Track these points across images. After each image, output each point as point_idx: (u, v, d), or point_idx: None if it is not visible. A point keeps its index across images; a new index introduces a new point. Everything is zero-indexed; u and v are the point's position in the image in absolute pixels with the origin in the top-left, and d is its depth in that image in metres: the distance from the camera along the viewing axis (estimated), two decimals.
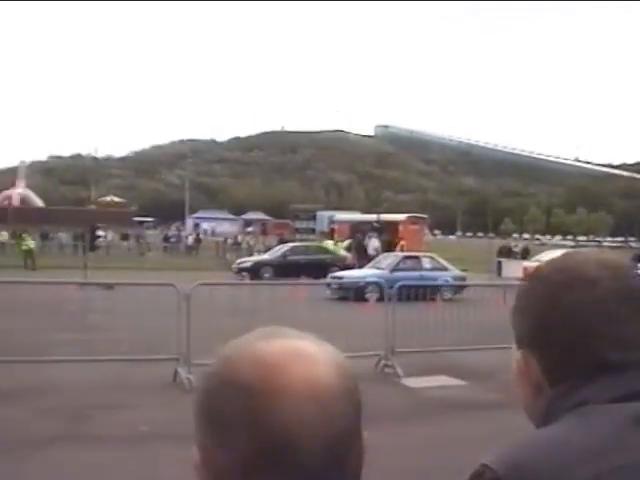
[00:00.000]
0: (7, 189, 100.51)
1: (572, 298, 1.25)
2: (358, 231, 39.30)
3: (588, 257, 1.32)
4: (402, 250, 33.77)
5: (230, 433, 0.89)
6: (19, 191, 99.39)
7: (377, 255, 30.99)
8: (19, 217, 67.74)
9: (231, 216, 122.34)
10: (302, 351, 0.93)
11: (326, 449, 0.88)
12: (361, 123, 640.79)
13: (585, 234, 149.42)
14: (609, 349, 1.22)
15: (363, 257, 32.71)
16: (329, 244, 38.68)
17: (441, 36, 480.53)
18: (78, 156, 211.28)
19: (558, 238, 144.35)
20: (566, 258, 1.35)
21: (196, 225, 71.52)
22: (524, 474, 1.10)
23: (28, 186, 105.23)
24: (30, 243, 39.41)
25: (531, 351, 1.28)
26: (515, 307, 1.35)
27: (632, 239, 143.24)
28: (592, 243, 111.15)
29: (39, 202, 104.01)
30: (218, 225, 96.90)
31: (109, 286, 15.22)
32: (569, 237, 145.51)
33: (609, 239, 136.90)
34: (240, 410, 0.89)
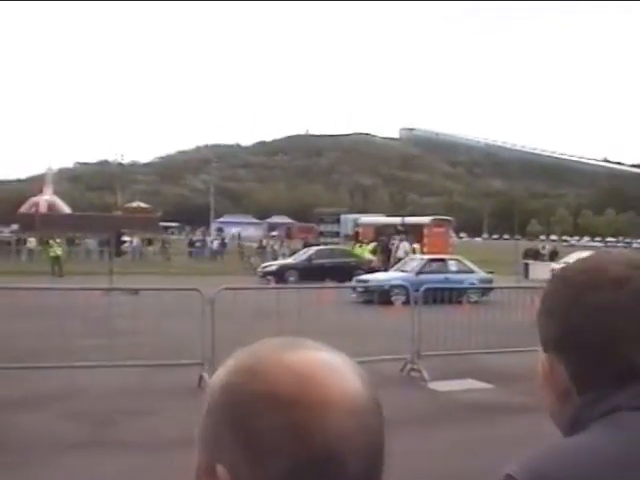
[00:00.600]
0: (34, 196, 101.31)
1: (597, 299, 1.18)
2: (383, 234, 39.18)
3: (614, 257, 1.26)
4: (422, 252, 33.68)
5: (269, 447, 0.84)
6: (46, 198, 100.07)
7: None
8: (46, 224, 68.24)
9: (256, 220, 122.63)
10: (330, 363, 0.90)
11: (367, 462, 0.87)
12: (386, 126, 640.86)
13: (614, 235, 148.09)
14: (638, 353, 1.16)
15: (388, 260, 32.63)
16: (356, 248, 38.58)
17: (466, 37, 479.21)
18: (104, 162, 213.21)
19: (586, 239, 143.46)
20: (591, 258, 1.29)
21: (219, 230, 71.48)
22: None
23: (55, 193, 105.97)
24: (57, 250, 39.70)
25: (557, 355, 1.22)
26: (540, 309, 1.29)
27: None
28: (621, 244, 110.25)
29: (66, 209, 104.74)
30: (243, 230, 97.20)
31: (134, 291, 15.23)
32: (597, 238, 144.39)
33: (639, 241, 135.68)
34: (282, 425, 0.84)
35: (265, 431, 0.84)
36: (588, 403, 1.17)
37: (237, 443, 0.86)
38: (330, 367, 0.89)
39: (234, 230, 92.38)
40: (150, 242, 59.63)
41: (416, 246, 35.54)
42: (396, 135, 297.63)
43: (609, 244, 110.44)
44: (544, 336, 1.26)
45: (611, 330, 1.16)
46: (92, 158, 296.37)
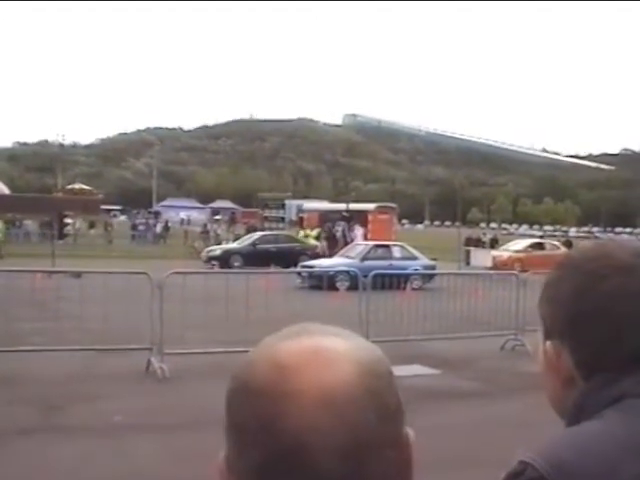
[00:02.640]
0: None
1: (606, 288, 1.20)
2: (327, 220, 39.33)
3: (620, 245, 1.28)
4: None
5: (245, 438, 0.84)
6: None
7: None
8: None
9: (199, 205, 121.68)
10: (321, 350, 0.86)
11: (344, 458, 0.81)
12: (329, 112, 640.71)
13: (552, 224, 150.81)
14: None
15: (334, 246, 32.79)
16: (301, 234, 38.70)
17: (410, 25, 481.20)
18: (44, 143, 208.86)
19: (525, 228, 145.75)
20: (597, 246, 1.31)
21: (156, 213, 70.55)
22: (569, 472, 1.05)
23: None
24: None
25: (562, 342, 1.23)
26: (543, 297, 1.30)
27: (597, 229, 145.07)
28: (559, 233, 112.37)
29: (4, 189, 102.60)
30: (186, 214, 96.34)
31: (77, 274, 15.04)
32: (536, 227, 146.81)
33: (575, 229, 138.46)
34: (253, 415, 0.84)
35: (242, 422, 0.85)
36: (595, 389, 1.19)
37: (227, 431, 0.88)
38: (315, 355, 0.85)
39: (183, 214, 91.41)
40: (92, 225, 58.82)
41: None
42: (339, 121, 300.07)
43: (547, 232, 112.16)
44: (549, 323, 1.27)
45: (618, 317, 1.18)
46: (32, 138, 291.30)
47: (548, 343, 1.26)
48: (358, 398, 0.83)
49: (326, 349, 0.86)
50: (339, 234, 35.90)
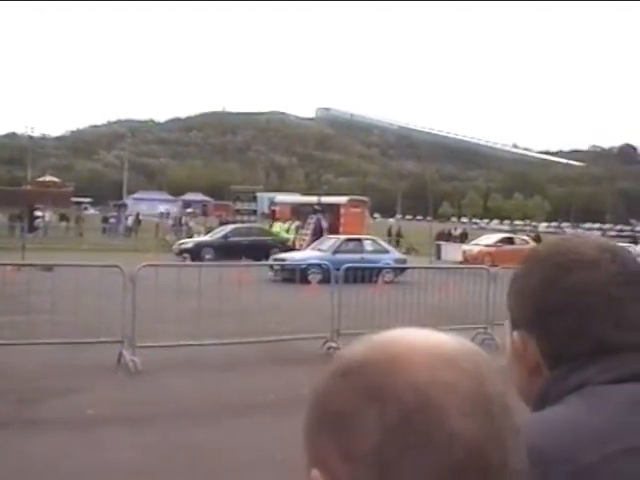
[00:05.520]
0: None
1: (573, 280, 1.24)
2: (299, 213, 39.42)
3: (586, 240, 1.33)
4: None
5: (350, 425, 0.74)
6: None
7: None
8: None
9: (170, 197, 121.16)
10: (428, 334, 0.80)
11: (475, 413, 0.73)
12: (301, 105, 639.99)
13: (522, 219, 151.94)
14: (609, 331, 1.22)
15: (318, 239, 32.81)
16: (276, 227, 38.60)
17: (382, 17, 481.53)
18: (12, 135, 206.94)
19: (496, 222, 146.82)
20: (564, 241, 1.35)
21: (122, 206, 69.83)
22: (534, 456, 1.02)
23: None
24: None
25: (529, 333, 1.27)
26: (511, 289, 1.34)
27: (566, 224, 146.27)
28: (528, 228, 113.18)
29: None
30: (158, 206, 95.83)
31: (48, 267, 14.95)
32: (506, 222, 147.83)
33: (545, 224, 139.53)
34: (357, 394, 0.75)
35: (342, 407, 0.76)
36: (559, 377, 1.23)
37: (322, 432, 0.77)
38: (423, 337, 0.79)
39: (162, 208, 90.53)
40: (63, 217, 58.34)
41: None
42: (312, 115, 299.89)
43: (517, 227, 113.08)
44: (516, 314, 1.30)
45: (583, 309, 1.23)
46: None
47: (515, 333, 1.29)
48: (477, 356, 0.78)
49: (429, 333, 0.80)
50: (318, 227, 35.88)
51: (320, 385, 0.80)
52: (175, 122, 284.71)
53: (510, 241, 38.24)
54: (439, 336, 0.79)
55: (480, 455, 0.72)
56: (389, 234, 49.83)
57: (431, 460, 0.71)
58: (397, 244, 45.91)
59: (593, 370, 1.20)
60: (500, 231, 66.18)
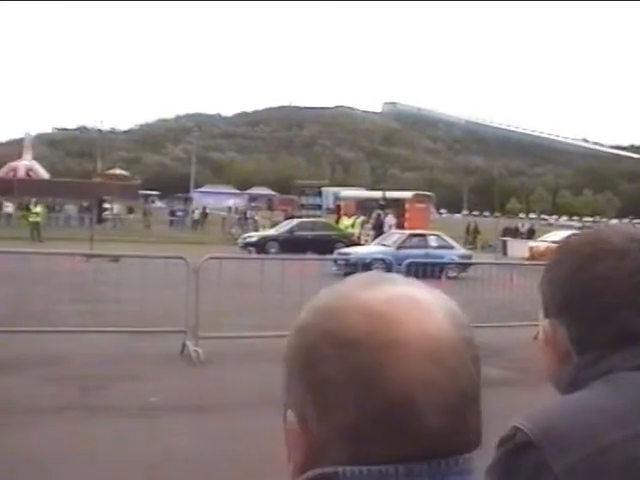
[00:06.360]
0: (13, 161, 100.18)
1: (601, 270, 1.28)
2: (364, 208, 39.36)
3: (615, 230, 1.36)
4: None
5: (333, 395, 0.78)
6: (25, 163, 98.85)
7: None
8: (24, 189, 67.48)
9: (236, 191, 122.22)
10: (416, 299, 0.81)
11: (450, 409, 0.77)
12: (368, 99, 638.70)
13: (591, 215, 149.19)
14: (634, 320, 1.26)
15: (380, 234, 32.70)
16: (342, 222, 38.47)
17: (450, 10, 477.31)
18: (83, 128, 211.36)
19: (564, 219, 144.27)
20: (594, 231, 1.39)
21: (187, 199, 70.45)
22: (555, 436, 1.13)
23: (34, 158, 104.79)
24: (38, 215, 39.43)
25: (559, 320, 1.32)
26: (543, 278, 1.39)
27: (638, 221, 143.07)
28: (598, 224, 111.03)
29: (45, 174, 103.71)
30: (224, 200, 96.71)
31: (115, 258, 15.24)
32: (575, 218, 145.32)
33: (615, 221, 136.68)
34: (345, 369, 0.77)
35: (331, 376, 0.78)
36: (587, 363, 1.27)
37: (306, 388, 0.81)
38: (410, 304, 0.80)
39: (231, 202, 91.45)
40: (131, 210, 59.41)
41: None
42: (378, 109, 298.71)
43: (586, 224, 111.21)
44: (547, 303, 1.36)
45: (612, 297, 1.27)
46: (71, 124, 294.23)
47: (546, 321, 1.35)
48: (459, 349, 0.80)
49: (418, 298, 0.82)
50: (385, 222, 35.74)
51: (311, 339, 0.82)
52: (242, 116, 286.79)
53: None
54: (432, 322, 0.80)
55: (449, 442, 0.78)
56: (467, 231, 49.29)
57: (403, 448, 0.76)
58: (474, 240, 45.55)
59: (618, 357, 1.24)
60: (570, 228, 65.00)
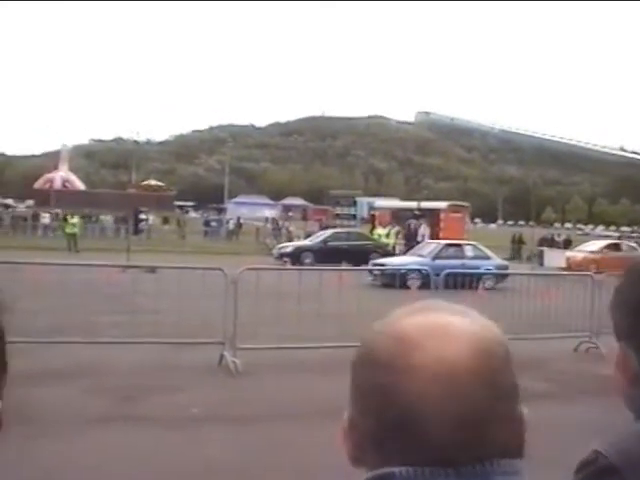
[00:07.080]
0: (49, 172, 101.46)
1: None
2: (399, 218, 39.26)
3: None
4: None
5: (365, 403, 0.93)
6: (61, 174, 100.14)
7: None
8: (61, 200, 68.40)
9: (270, 201, 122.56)
10: (444, 326, 0.92)
11: (457, 429, 0.87)
12: (401, 109, 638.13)
13: (629, 225, 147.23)
14: None
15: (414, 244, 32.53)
16: (378, 232, 38.32)
17: (483, 21, 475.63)
18: (119, 139, 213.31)
19: (601, 228, 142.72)
20: None
21: (220, 210, 70.66)
22: (636, 463, 1.13)
23: (70, 169, 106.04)
24: (75, 226, 39.82)
25: (628, 344, 1.30)
26: (613, 301, 1.36)
27: None
28: (636, 234, 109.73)
29: (81, 185, 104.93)
30: (258, 210, 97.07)
31: (152, 269, 15.33)
32: (612, 228, 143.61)
33: None
34: (372, 384, 0.91)
35: (363, 388, 0.93)
36: None
37: (353, 396, 0.96)
38: (436, 331, 0.91)
39: (267, 213, 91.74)
40: (166, 220, 59.80)
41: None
42: (411, 119, 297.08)
43: (624, 234, 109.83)
44: (617, 326, 1.34)
45: None
46: (107, 135, 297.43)
47: (618, 344, 1.34)
48: (474, 374, 0.88)
49: (448, 325, 0.92)
50: (418, 232, 35.55)
51: (357, 353, 0.98)
52: (275, 127, 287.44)
53: (617, 247, 36.85)
54: (451, 348, 0.90)
55: (463, 453, 0.88)
56: (513, 241, 48.82)
57: (416, 456, 0.88)
58: (519, 251, 45.21)
59: None
60: (606, 237, 64.23)
